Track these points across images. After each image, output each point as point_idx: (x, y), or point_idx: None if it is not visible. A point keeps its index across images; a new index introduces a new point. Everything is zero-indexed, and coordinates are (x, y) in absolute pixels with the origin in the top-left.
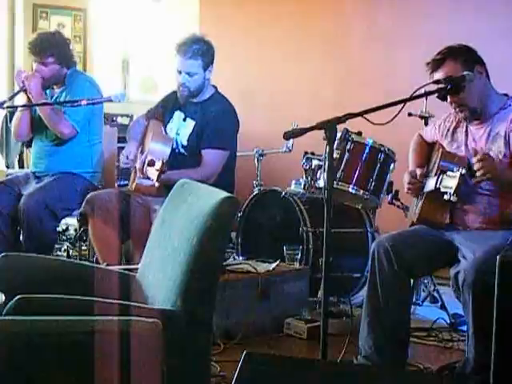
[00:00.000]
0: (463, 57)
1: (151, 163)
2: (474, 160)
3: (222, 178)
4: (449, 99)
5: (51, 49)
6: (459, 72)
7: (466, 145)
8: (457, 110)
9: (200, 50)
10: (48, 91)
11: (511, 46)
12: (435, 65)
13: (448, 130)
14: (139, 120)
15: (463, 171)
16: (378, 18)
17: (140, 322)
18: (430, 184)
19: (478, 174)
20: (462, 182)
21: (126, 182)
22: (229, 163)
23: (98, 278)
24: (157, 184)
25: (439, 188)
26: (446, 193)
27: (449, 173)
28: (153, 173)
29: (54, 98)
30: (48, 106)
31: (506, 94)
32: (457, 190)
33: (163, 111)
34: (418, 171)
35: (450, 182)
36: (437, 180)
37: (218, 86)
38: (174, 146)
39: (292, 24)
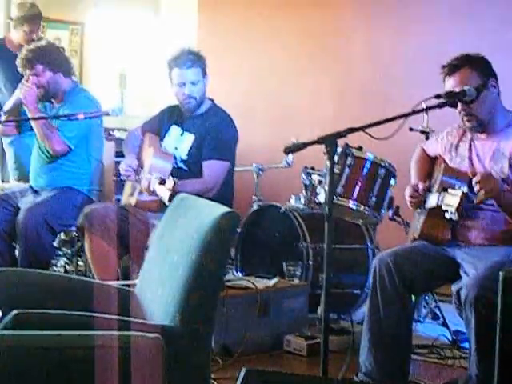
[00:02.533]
0: (480, 67)
1: (162, 182)
2: (474, 180)
3: (221, 191)
4: (459, 107)
5: (38, 57)
6: (473, 81)
7: (471, 159)
8: (464, 119)
9: (196, 57)
10: (48, 105)
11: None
12: (451, 69)
13: (451, 144)
14: (134, 133)
15: (465, 189)
16: (378, 33)
17: (141, 337)
18: (432, 200)
19: (479, 194)
20: (464, 201)
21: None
22: (228, 176)
23: (96, 293)
24: (168, 203)
25: (441, 206)
26: (447, 211)
27: (450, 190)
28: (164, 192)
29: (53, 112)
30: (41, 121)
31: (511, 111)
32: (458, 208)
33: (159, 126)
34: (420, 185)
35: (452, 200)
36: (438, 197)
37: (216, 100)
38: (173, 161)
39: (292, 38)
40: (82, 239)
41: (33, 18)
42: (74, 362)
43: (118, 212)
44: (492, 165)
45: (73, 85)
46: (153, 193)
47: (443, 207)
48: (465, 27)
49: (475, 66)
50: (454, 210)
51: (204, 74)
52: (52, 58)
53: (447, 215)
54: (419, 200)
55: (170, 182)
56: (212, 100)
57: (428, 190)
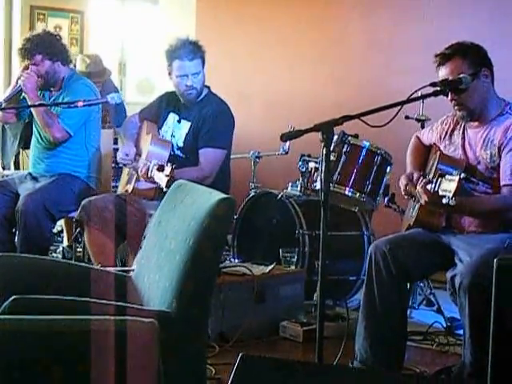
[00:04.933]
0: (472, 56)
1: (160, 168)
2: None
3: (218, 178)
4: (450, 96)
5: (36, 47)
6: (465, 70)
7: (463, 147)
8: (456, 107)
9: (196, 48)
10: (46, 93)
11: (509, 51)
12: (443, 59)
13: (446, 132)
14: (132, 120)
15: (462, 175)
16: (377, 22)
17: (136, 321)
18: (428, 187)
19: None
20: (461, 186)
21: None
22: (224, 164)
23: (94, 279)
24: (165, 189)
25: (438, 191)
26: (445, 196)
27: (447, 176)
28: (162, 178)
29: (52, 100)
30: (42, 108)
31: (503, 100)
32: (456, 193)
33: (157, 113)
34: (416, 175)
35: (449, 186)
36: (435, 183)
37: (215, 88)
38: (171, 148)
39: (289, 25)
40: (81, 231)
41: (92, 76)
42: (70, 346)
43: (115, 202)
44: (482, 153)
45: (70, 72)
46: (150, 179)
47: (440, 193)
48: (464, 15)
49: (467, 55)
50: (451, 195)
51: (203, 63)
52: (50, 47)
53: (444, 200)
54: (413, 190)
55: (168, 168)
56: (208, 87)
57: (423, 178)
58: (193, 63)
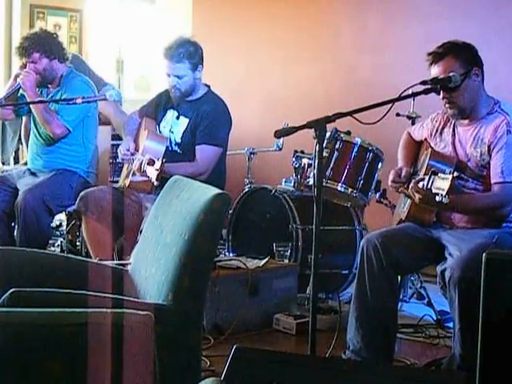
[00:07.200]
0: (464, 55)
1: (151, 162)
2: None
3: (213, 176)
4: (441, 94)
5: (34, 45)
6: (457, 69)
7: (453, 145)
8: (446, 105)
9: (186, 52)
10: (44, 91)
11: (499, 48)
12: (436, 58)
13: (436, 130)
14: (133, 116)
15: (455, 173)
16: (368, 20)
17: (133, 314)
18: (420, 184)
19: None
20: (454, 184)
21: (118, 178)
22: (220, 161)
23: (91, 272)
24: (156, 183)
25: (431, 189)
26: (438, 194)
27: (440, 174)
28: (152, 172)
29: (50, 96)
30: (41, 105)
31: (493, 98)
32: (449, 192)
33: (156, 109)
34: (404, 171)
35: (443, 184)
36: (428, 181)
37: (210, 85)
38: (168, 143)
39: (283, 25)
40: (79, 222)
41: None
42: (67, 339)
43: (113, 194)
44: (472, 151)
45: (68, 70)
46: (143, 173)
47: (434, 190)
48: (451, 13)
49: (459, 54)
50: (445, 193)
51: (195, 66)
52: (47, 45)
53: (438, 198)
54: (401, 185)
55: (158, 163)
56: (208, 86)
57: (413, 174)
58: (176, 66)
